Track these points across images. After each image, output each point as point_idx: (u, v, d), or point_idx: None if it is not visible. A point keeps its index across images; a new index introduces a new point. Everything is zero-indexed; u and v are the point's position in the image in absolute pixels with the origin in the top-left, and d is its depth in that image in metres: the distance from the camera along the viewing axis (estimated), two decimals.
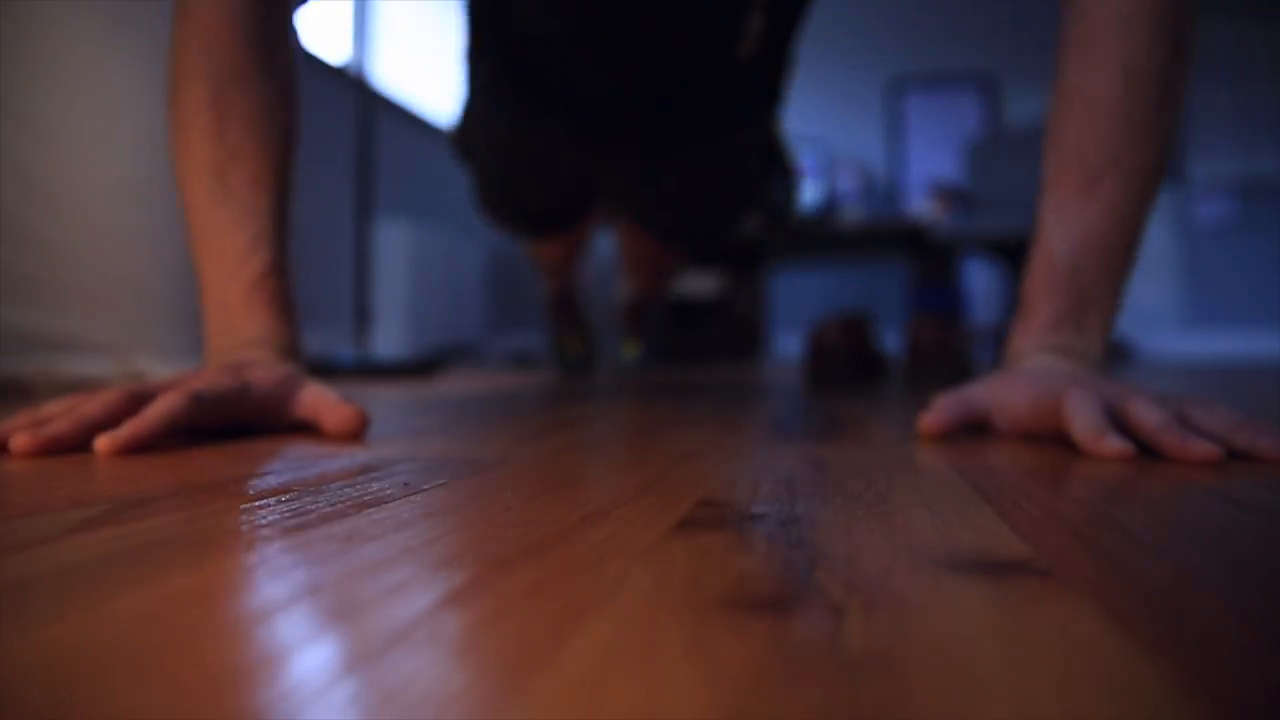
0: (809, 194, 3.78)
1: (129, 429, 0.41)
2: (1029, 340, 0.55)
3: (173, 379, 0.49)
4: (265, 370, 0.51)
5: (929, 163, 4.60)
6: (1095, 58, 0.54)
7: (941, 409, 0.52)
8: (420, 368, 1.61)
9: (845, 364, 1.29)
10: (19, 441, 0.40)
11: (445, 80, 3.14)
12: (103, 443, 0.40)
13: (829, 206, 3.70)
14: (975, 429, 0.53)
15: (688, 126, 1.05)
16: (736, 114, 1.07)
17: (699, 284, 3.21)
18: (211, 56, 0.57)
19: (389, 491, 0.31)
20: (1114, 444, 0.42)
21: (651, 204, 1.22)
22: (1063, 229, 0.54)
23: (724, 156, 1.14)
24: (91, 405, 0.43)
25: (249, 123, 0.57)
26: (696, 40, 0.93)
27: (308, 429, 0.52)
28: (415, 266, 2.62)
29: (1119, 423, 0.45)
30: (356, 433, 0.50)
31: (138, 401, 0.45)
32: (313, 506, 0.28)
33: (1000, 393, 0.52)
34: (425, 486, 0.33)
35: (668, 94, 0.99)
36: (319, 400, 0.51)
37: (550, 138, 1.06)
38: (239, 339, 0.55)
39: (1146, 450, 0.43)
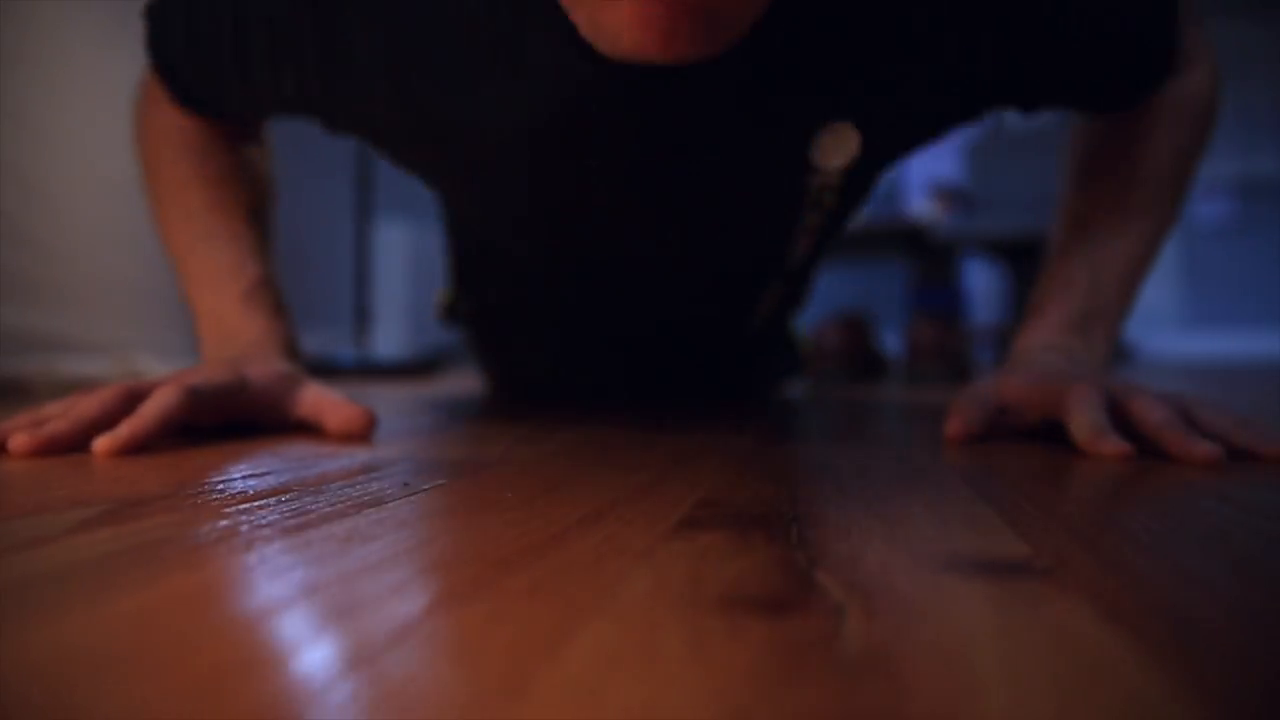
0: None
1: (126, 429, 0.41)
2: (1036, 338, 0.56)
3: (169, 376, 0.49)
4: (263, 367, 0.51)
5: (929, 163, 4.59)
6: (1154, 137, 0.59)
7: (961, 415, 0.51)
8: (420, 368, 1.61)
9: (845, 364, 1.29)
10: (17, 442, 0.40)
11: None
12: (100, 444, 0.40)
13: None
14: (992, 431, 0.53)
15: (693, 380, 0.96)
16: (745, 364, 0.99)
17: None
18: (173, 145, 0.62)
19: (389, 491, 0.31)
20: (1113, 444, 0.42)
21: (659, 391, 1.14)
22: (1086, 253, 0.58)
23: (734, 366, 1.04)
24: (89, 404, 0.43)
25: (221, 178, 0.61)
26: (705, 326, 0.84)
27: (308, 429, 0.52)
28: (415, 266, 2.62)
29: (1121, 419, 0.45)
30: (363, 433, 0.50)
31: (134, 399, 0.44)
32: (313, 506, 0.28)
33: (1003, 383, 0.53)
34: (425, 486, 0.32)
35: (673, 361, 0.91)
36: (321, 400, 0.51)
37: (549, 368, 0.96)
38: (236, 344, 0.55)
39: (1147, 449, 0.43)
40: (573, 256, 0.69)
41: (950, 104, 0.53)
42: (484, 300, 0.86)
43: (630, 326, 0.81)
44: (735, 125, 0.52)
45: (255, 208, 0.63)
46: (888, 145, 0.56)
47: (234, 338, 0.55)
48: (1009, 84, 0.52)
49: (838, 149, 0.54)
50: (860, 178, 0.59)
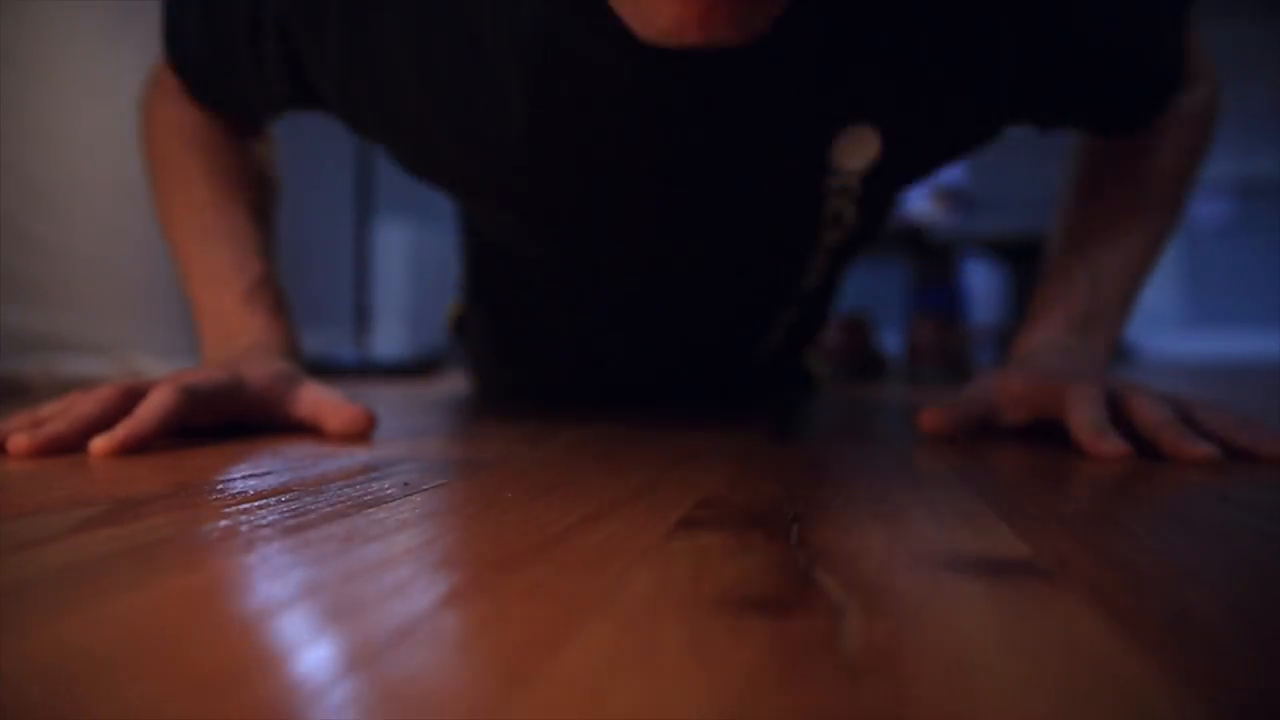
0: None
1: (123, 430, 0.41)
2: (1036, 339, 0.56)
3: (167, 377, 0.48)
4: (261, 367, 0.51)
5: None
6: (1158, 150, 0.59)
7: (943, 407, 0.52)
8: (420, 368, 1.61)
9: (845, 364, 1.29)
10: (16, 443, 0.40)
11: None
12: (97, 445, 0.40)
13: None
14: (977, 429, 0.53)
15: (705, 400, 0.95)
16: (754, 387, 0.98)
17: None
18: (181, 137, 0.61)
19: (389, 491, 0.31)
20: (1112, 444, 0.42)
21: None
22: (1089, 256, 0.58)
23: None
24: (87, 403, 0.43)
25: (226, 174, 0.61)
26: (716, 349, 0.82)
27: (307, 429, 0.52)
28: (415, 266, 2.62)
29: (1121, 418, 0.45)
30: (363, 433, 0.50)
31: (132, 398, 0.44)
32: (313, 506, 0.28)
33: (1002, 380, 0.53)
34: (425, 486, 0.32)
35: (679, 384, 0.88)
36: (320, 400, 0.51)
37: (557, 384, 0.92)
38: (236, 344, 0.55)
39: (1147, 449, 0.43)
40: (588, 261, 0.67)
41: (968, 115, 0.53)
42: (496, 314, 0.85)
43: (641, 344, 0.79)
44: (758, 119, 0.51)
45: (260, 205, 0.63)
46: (907, 154, 0.56)
47: (234, 337, 0.55)
48: (1026, 98, 0.52)
49: (858, 151, 0.54)
50: (878, 190, 0.58)
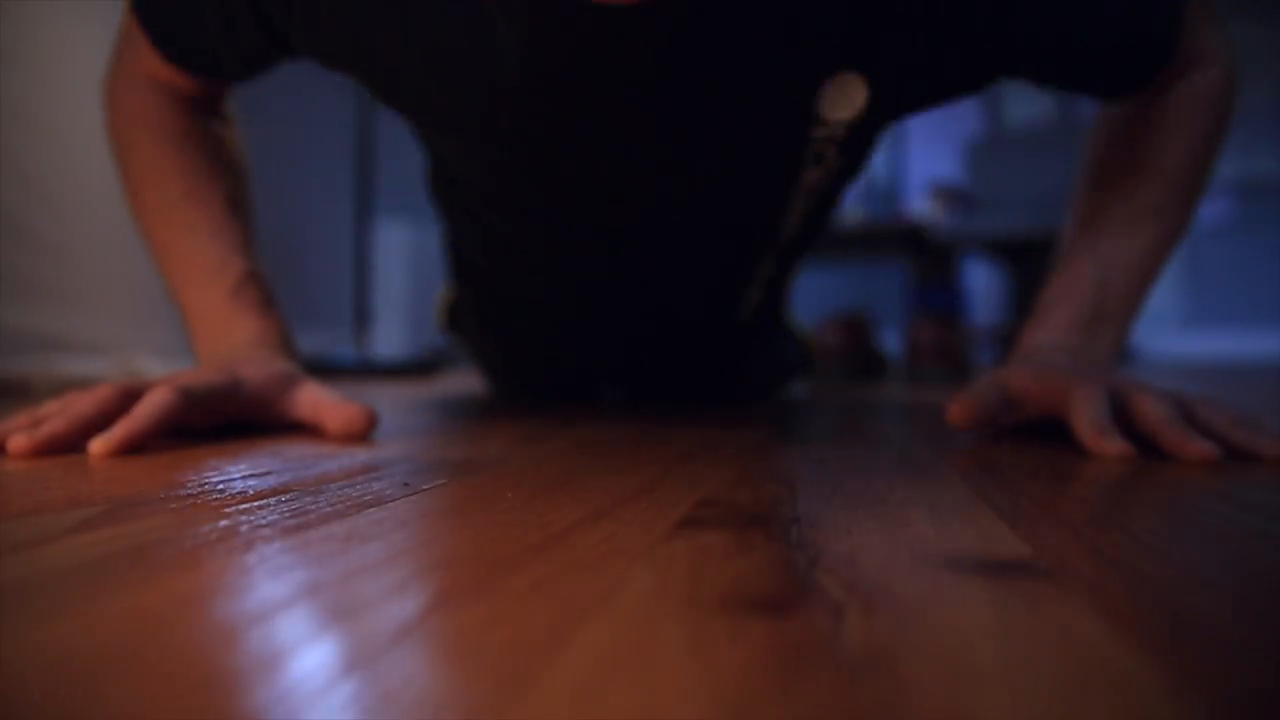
0: None
1: (121, 430, 0.41)
2: (1043, 337, 0.56)
3: (165, 377, 0.49)
4: (258, 367, 0.51)
5: (929, 163, 4.60)
6: (1167, 134, 0.58)
7: (971, 399, 0.50)
8: (420, 368, 1.61)
9: (845, 364, 1.29)
10: (16, 443, 0.40)
11: None
12: (95, 446, 0.40)
13: None
14: (997, 419, 0.52)
15: (687, 380, 0.94)
16: (738, 360, 0.96)
17: None
18: (148, 126, 0.60)
19: (389, 491, 0.31)
20: (1115, 444, 0.42)
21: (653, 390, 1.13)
22: (1098, 254, 0.57)
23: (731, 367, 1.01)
24: (85, 403, 0.43)
25: (198, 165, 0.60)
26: (697, 307, 0.82)
27: (306, 429, 0.52)
28: (415, 266, 2.62)
29: (1124, 417, 0.45)
30: (363, 432, 0.49)
31: (130, 398, 0.44)
32: (312, 506, 0.28)
33: (1007, 376, 0.53)
34: (425, 486, 0.32)
35: (663, 358, 0.89)
36: (319, 400, 0.51)
37: (546, 358, 0.93)
38: (229, 343, 0.55)
39: (1150, 448, 0.44)
40: (562, 213, 0.66)
41: (953, 64, 0.52)
42: (479, 290, 0.85)
43: (625, 296, 0.78)
44: (745, 65, 0.51)
45: (233, 195, 0.62)
46: (894, 101, 0.55)
47: (225, 336, 0.55)
48: (1010, 48, 0.51)
49: (845, 101, 0.53)
50: (863, 134, 0.58)
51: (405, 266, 2.59)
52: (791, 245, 0.74)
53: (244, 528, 0.25)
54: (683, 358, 0.89)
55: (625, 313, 0.80)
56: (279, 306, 0.59)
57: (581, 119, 0.55)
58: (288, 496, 0.30)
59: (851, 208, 3.82)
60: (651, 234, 0.69)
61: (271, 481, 0.33)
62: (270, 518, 0.26)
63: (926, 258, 2.66)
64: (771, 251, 0.74)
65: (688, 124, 0.55)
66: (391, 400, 0.88)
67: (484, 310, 0.87)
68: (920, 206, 3.70)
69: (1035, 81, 0.56)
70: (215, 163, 0.61)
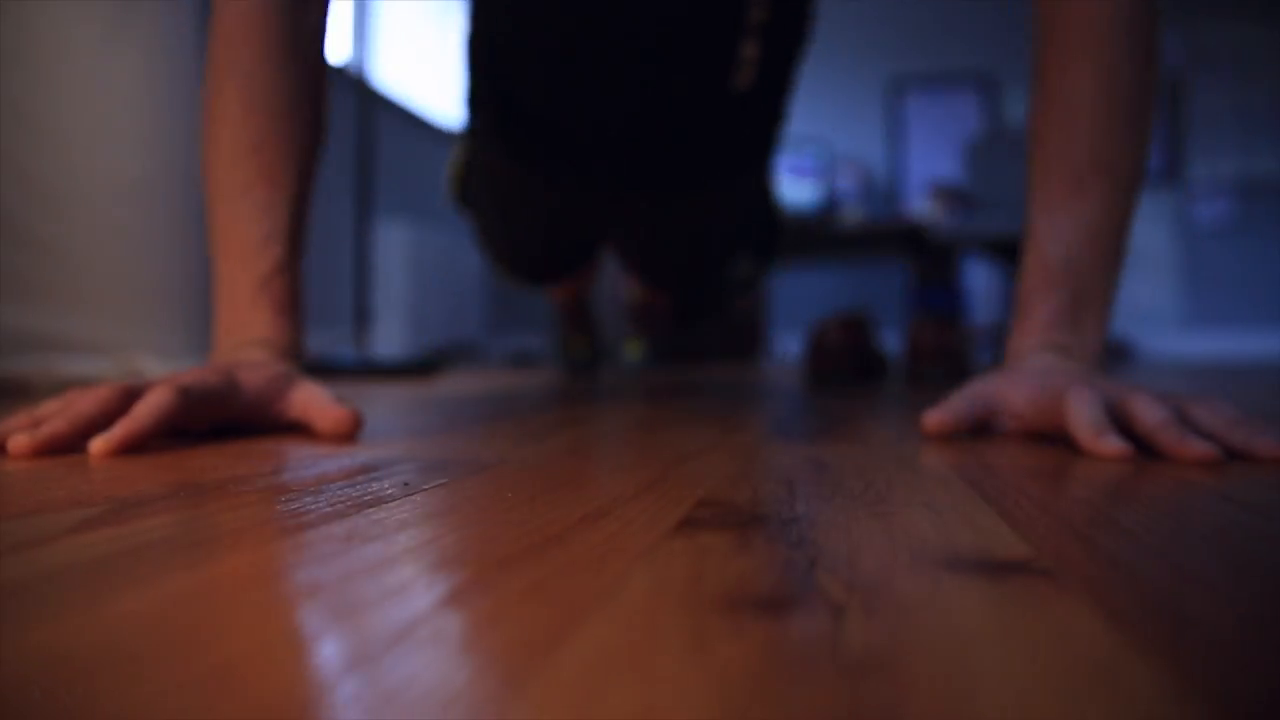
0: (809, 194, 3.78)
1: (120, 430, 0.41)
2: (1028, 340, 0.55)
3: (164, 377, 0.49)
4: (256, 370, 0.52)
5: (929, 163, 4.60)
6: (1074, 63, 0.55)
7: (945, 408, 0.52)
8: (420, 368, 1.61)
9: (845, 364, 1.29)
10: (17, 443, 0.40)
11: (445, 81, 3.14)
12: (96, 445, 0.40)
13: (829, 206, 3.70)
14: (976, 430, 0.53)
15: (686, 167, 1.00)
16: (733, 156, 1.03)
17: None
18: (245, 50, 0.59)
19: (389, 491, 0.31)
20: (1113, 444, 0.42)
21: (644, 256, 1.18)
22: (1053, 228, 0.55)
23: (718, 208, 1.10)
24: (85, 402, 0.43)
25: (275, 117, 0.59)
26: (691, 68, 0.90)
27: (303, 429, 0.52)
28: (415, 266, 2.62)
29: (1120, 420, 0.45)
30: (349, 434, 0.50)
31: (130, 398, 0.45)
32: (313, 506, 0.28)
33: (1002, 389, 0.52)
34: (425, 486, 0.33)
35: (664, 128, 0.96)
36: (310, 401, 0.51)
37: (549, 186, 1.02)
38: (241, 337, 0.55)
39: (1146, 449, 0.43)
40: None
41: None
42: (495, 99, 0.96)
43: (626, 79, 0.90)
44: None
45: (307, 150, 0.60)
46: None
47: (240, 329, 0.56)
48: None
49: None
50: None
51: (405, 266, 2.59)
52: (769, 29, 0.86)
53: (244, 528, 0.25)
54: (678, 132, 0.98)
55: (621, 67, 0.91)
56: (300, 303, 0.59)
57: None
58: (287, 496, 0.30)
59: (851, 208, 3.83)
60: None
61: (271, 481, 0.33)
62: (270, 518, 0.26)
63: (926, 258, 2.66)
64: (747, 28, 0.85)
65: None
66: (391, 400, 0.88)
67: (492, 124, 0.99)
68: (920, 206, 3.70)
69: None
70: (299, 110, 0.60)
